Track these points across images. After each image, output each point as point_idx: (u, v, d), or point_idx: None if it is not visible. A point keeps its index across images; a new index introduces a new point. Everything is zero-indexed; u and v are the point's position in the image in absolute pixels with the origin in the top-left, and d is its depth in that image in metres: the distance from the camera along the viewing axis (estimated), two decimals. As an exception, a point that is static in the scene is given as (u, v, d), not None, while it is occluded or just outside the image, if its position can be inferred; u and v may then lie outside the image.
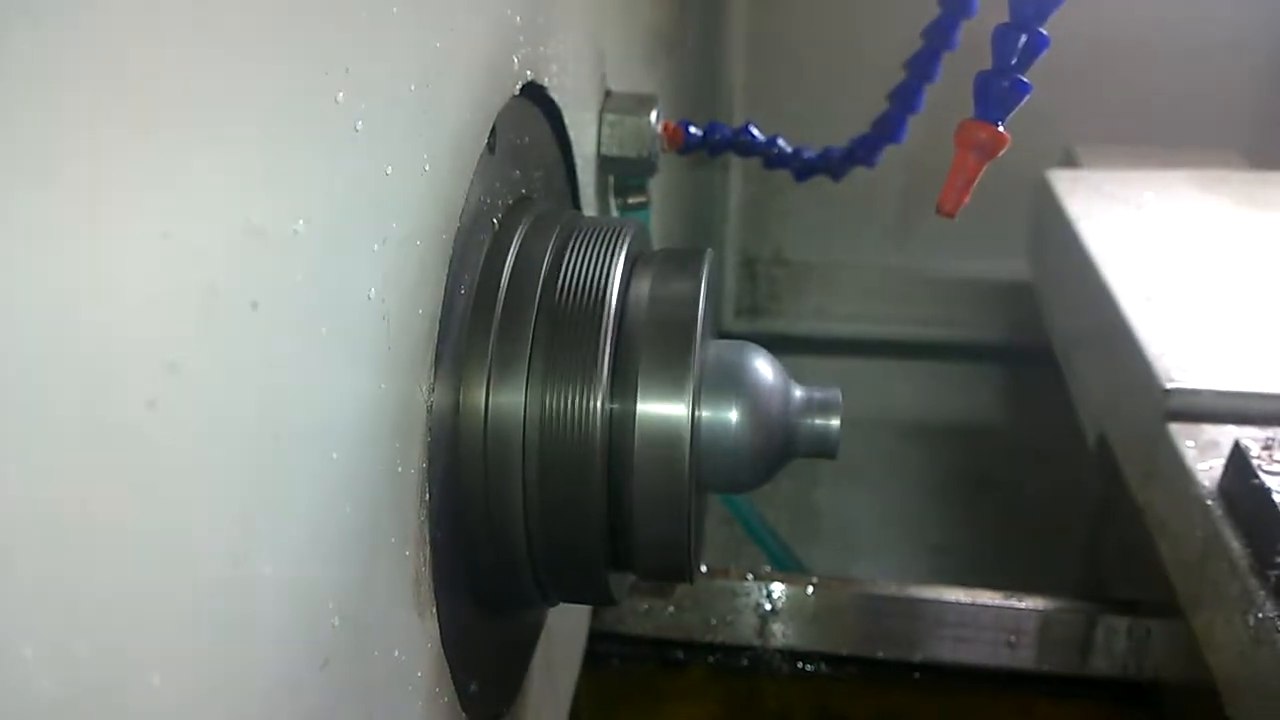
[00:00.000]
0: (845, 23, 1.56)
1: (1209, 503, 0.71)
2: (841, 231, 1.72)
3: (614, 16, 0.78)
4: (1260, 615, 0.63)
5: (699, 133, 0.81)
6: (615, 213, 0.80)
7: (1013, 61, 0.55)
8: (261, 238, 0.29)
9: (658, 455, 0.46)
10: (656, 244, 0.58)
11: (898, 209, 1.66)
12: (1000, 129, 0.56)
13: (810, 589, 0.94)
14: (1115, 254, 1.03)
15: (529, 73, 0.53)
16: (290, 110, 0.31)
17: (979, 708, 0.93)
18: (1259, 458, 0.69)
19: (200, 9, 0.26)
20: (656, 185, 0.85)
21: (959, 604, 0.92)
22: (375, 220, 0.37)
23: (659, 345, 0.47)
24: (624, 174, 0.77)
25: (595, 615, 0.92)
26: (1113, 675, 0.91)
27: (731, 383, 0.50)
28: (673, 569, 0.50)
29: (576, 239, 0.50)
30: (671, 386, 0.46)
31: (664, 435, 0.46)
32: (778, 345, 0.58)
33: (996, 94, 0.56)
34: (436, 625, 0.44)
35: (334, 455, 0.34)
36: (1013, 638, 0.91)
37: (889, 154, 0.80)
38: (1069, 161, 1.40)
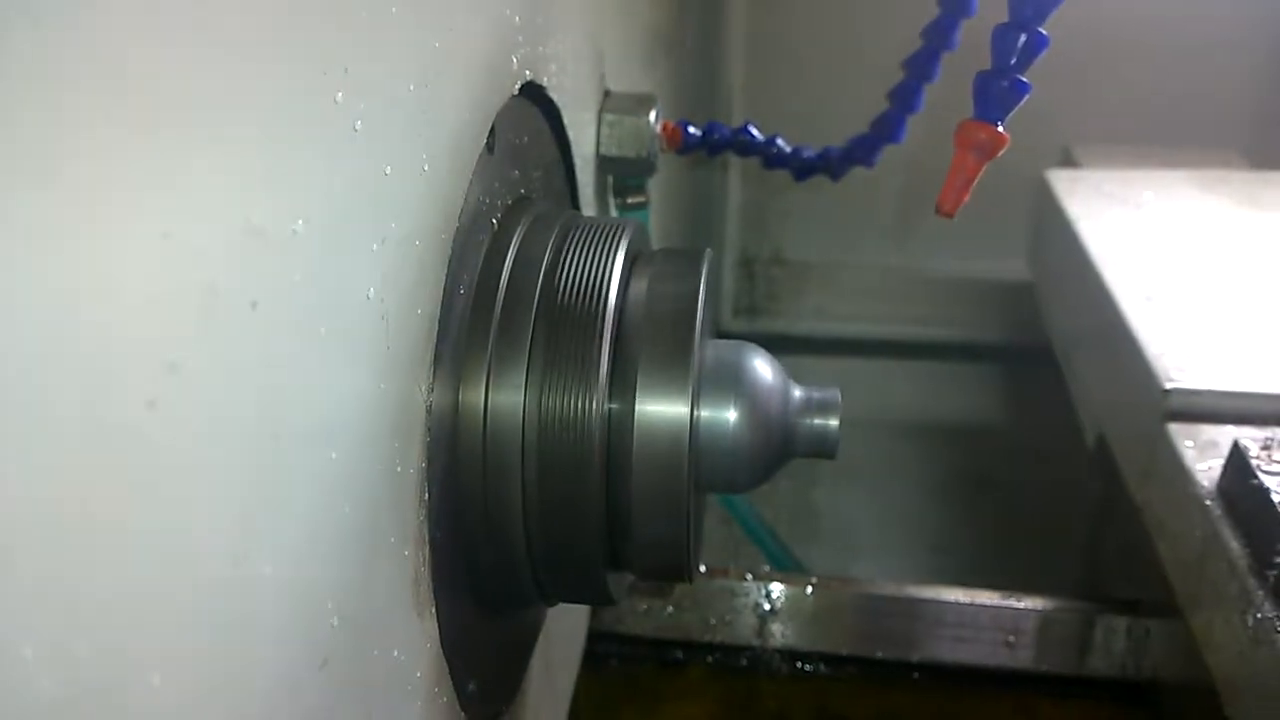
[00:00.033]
0: (845, 23, 1.56)
1: (1208, 503, 0.71)
2: (841, 231, 1.72)
3: (613, 16, 0.78)
4: (1259, 615, 0.63)
5: (698, 133, 0.81)
6: (614, 212, 0.80)
7: (1012, 61, 0.56)
8: (261, 238, 0.29)
9: (656, 455, 0.46)
10: (655, 244, 0.58)
11: (897, 209, 1.66)
12: (1000, 129, 0.57)
13: (809, 589, 0.94)
14: (1115, 254, 1.03)
15: (528, 73, 0.53)
16: (289, 110, 0.31)
17: (978, 708, 0.93)
18: (1258, 458, 0.69)
19: (200, 9, 0.26)
20: (655, 185, 0.85)
21: (958, 604, 0.92)
22: (374, 220, 0.37)
23: (658, 345, 0.47)
24: (623, 174, 0.77)
25: (594, 615, 0.92)
26: (1112, 675, 0.91)
27: (730, 383, 0.50)
28: (671, 569, 0.50)
29: (575, 239, 0.50)
30: (670, 386, 0.46)
31: (663, 435, 0.46)
32: (777, 345, 0.58)
33: (996, 94, 0.56)
34: (435, 625, 0.44)
35: (333, 455, 0.34)
36: (1012, 638, 0.91)
37: (888, 154, 0.81)
38: (1068, 161, 1.41)
